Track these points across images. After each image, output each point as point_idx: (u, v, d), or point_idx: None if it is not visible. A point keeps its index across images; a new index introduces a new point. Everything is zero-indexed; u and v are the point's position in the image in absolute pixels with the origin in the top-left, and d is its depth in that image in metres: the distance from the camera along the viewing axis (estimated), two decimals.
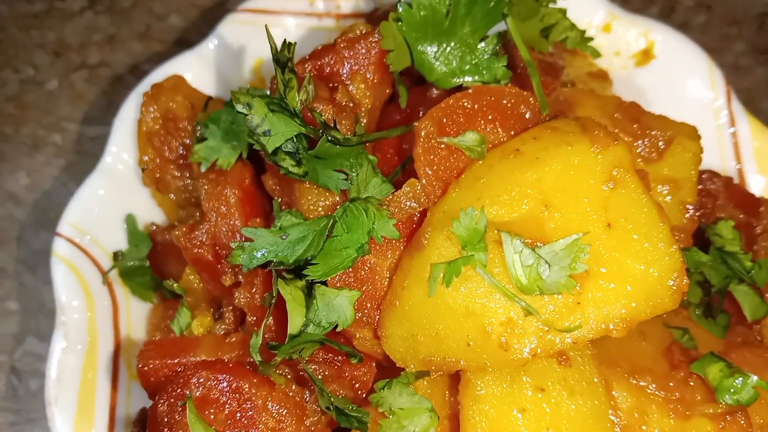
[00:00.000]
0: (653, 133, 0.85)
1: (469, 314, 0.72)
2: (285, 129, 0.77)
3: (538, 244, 0.71)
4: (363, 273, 0.79)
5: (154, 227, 1.07)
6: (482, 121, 0.82)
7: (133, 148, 1.10)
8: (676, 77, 1.10)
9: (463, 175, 0.79)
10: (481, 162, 0.79)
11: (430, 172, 0.80)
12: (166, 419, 0.76)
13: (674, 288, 0.71)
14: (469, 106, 0.82)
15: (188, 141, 1.02)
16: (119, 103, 1.52)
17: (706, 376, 0.81)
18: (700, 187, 0.98)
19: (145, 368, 0.80)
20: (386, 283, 0.79)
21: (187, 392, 0.75)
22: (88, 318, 1.03)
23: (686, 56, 1.12)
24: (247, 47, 1.15)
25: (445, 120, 0.81)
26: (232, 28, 1.15)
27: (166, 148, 1.03)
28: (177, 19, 1.62)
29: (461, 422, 0.78)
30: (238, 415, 0.74)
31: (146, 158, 1.04)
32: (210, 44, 1.13)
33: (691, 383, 0.82)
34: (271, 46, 0.79)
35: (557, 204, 0.73)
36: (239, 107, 0.78)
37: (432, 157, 0.80)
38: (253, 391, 0.74)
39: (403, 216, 0.79)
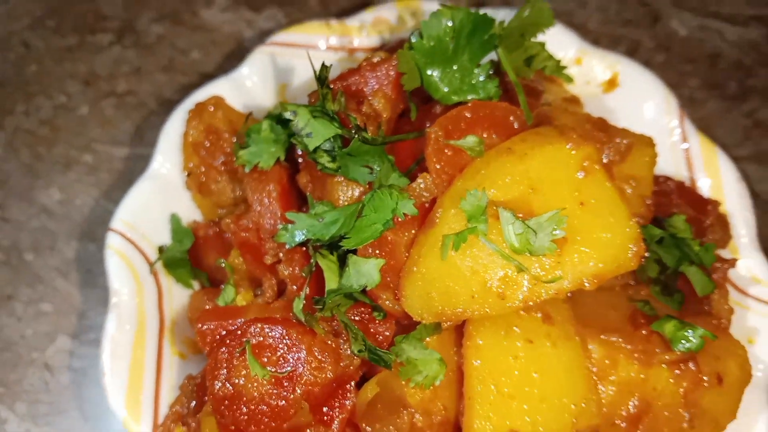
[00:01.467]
0: (617, 140, 1.09)
1: (473, 273, 0.94)
2: (324, 131, 1.00)
3: (527, 218, 0.94)
4: (387, 247, 1.00)
5: (196, 224, 1.28)
6: (479, 129, 1.05)
7: (176, 158, 1.31)
8: (637, 102, 1.35)
9: (466, 169, 1.01)
10: (480, 159, 1.02)
11: (438, 168, 1.03)
12: (225, 364, 0.96)
13: (634, 252, 0.94)
14: (469, 116, 1.05)
15: (228, 150, 1.24)
16: (145, 127, 1.75)
17: (664, 331, 1.03)
18: (656, 188, 1.22)
19: (204, 327, 1.00)
20: (405, 256, 1.01)
21: (245, 339, 0.95)
22: (137, 302, 1.22)
23: (646, 85, 1.37)
24: (273, 74, 1.38)
25: (450, 127, 1.04)
26: (260, 58, 1.39)
27: (209, 156, 1.25)
28: (198, 53, 1.85)
29: (465, 368, 0.99)
30: (287, 357, 0.94)
31: (191, 165, 1.25)
32: (242, 71, 1.37)
33: (652, 338, 1.04)
34: (312, 68, 1.02)
35: (541, 188, 0.96)
36: (287, 114, 1.01)
37: (440, 156, 1.03)
38: (300, 338, 0.95)
39: (417, 203, 1.02)
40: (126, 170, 1.72)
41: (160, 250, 1.27)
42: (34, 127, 1.76)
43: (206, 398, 1.04)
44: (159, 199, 1.28)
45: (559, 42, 1.35)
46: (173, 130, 1.30)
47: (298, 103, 1.02)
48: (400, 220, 0.99)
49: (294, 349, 0.94)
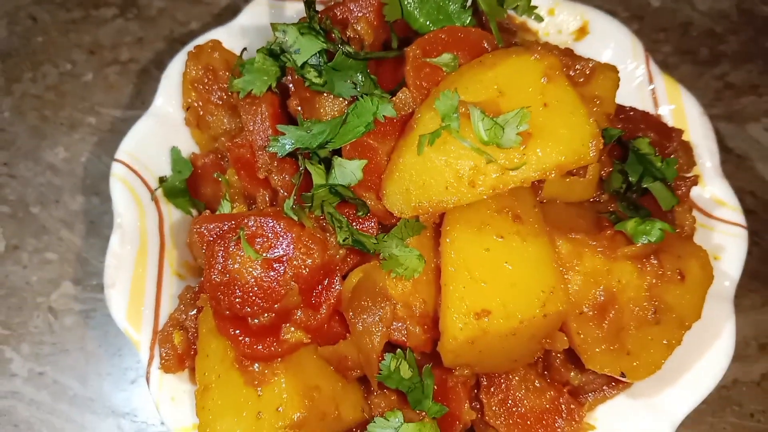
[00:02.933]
0: (582, 63, 1.20)
1: (447, 166, 1.05)
2: (311, 46, 1.11)
3: (495, 117, 1.05)
4: (369, 152, 1.11)
5: (194, 155, 1.39)
6: (454, 50, 1.17)
7: (177, 97, 1.42)
8: (606, 47, 1.47)
9: (442, 82, 1.12)
10: (454, 72, 1.13)
11: (417, 83, 1.14)
12: (221, 254, 1.06)
13: (592, 147, 1.05)
14: (445, 38, 1.17)
15: (225, 86, 1.36)
16: (146, 91, 1.86)
17: (626, 230, 1.13)
18: (622, 116, 1.33)
19: (201, 228, 1.10)
20: (386, 161, 1.11)
21: (240, 228, 1.05)
22: (139, 225, 1.32)
23: (613, 31, 1.49)
24: (266, 25, 1.49)
25: (427, 47, 1.16)
26: (254, 10, 1.51)
27: (206, 91, 1.36)
28: (196, 24, 1.98)
29: (442, 261, 1.09)
30: (278, 245, 1.04)
31: (190, 100, 1.36)
32: (239, 20, 1.49)
33: (616, 238, 1.14)
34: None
35: (508, 92, 1.07)
36: (278, 33, 1.12)
37: (418, 72, 1.14)
38: (290, 228, 1.05)
39: (398, 115, 1.12)
40: (127, 129, 1.82)
41: (161, 180, 1.38)
42: (41, 92, 1.88)
43: (203, 293, 1.13)
44: (160, 134, 1.39)
45: None
46: (174, 73, 1.42)
47: (288, 23, 1.13)
48: (381, 124, 1.10)
49: (284, 237, 1.04)
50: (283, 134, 1.13)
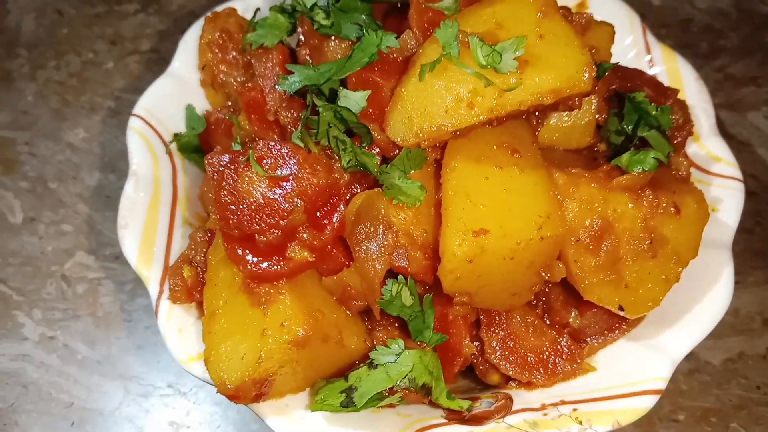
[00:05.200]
0: (577, 15, 1.28)
1: (447, 90, 1.11)
2: None
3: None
4: (373, 87, 1.18)
5: (208, 112, 1.47)
6: None
7: (194, 61, 1.52)
8: (604, 20, 1.55)
9: (443, 21, 1.21)
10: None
11: (421, 25, 1.22)
12: (230, 175, 1.12)
13: (586, 75, 1.11)
14: None
15: (239, 46, 1.45)
16: None
17: (621, 162, 1.19)
18: (620, 74, 1.40)
19: (212, 158, 1.17)
20: (389, 97, 1.19)
21: (249, 149, 1.12)
22: (153, 174, 1.39)
23: (611, 6, 1.58)
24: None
25: None
26: None
27: (221, 52, 1.46)
28: None
29: (442, 189, 1.14)
30: (285, 165, 1.11)
31: (206, 60, 1.46)
32: None
33: (612, 172, 1.19)
34: None
35: (506, 25, 1.15)
36: None
37: (422, 15, 1.22)
38: (297, 151, 1.11)
39: (403, 53, 1.20)
40: None
41: (176, 135, 1.45)
42: (64, 79, 1.99)
43: (212, 212, 1.19)
44: (176, 94, 1.47)
45: None
46: (192, 38, 1.52)
47: None
48: (385, 62, 1.18)
49: (291, 158, 1.11)
50: (292, 73, 1.21)
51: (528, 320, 1.26)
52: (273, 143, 1.12)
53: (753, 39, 2.08)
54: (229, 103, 1.45)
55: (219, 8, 1.54)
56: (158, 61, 2.01)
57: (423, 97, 1.13)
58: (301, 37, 1.30)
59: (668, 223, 1.18)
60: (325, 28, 1.23)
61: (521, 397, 1.23)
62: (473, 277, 1.12)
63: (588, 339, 1.28)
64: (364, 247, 1.15)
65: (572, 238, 1.15)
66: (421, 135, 1.13)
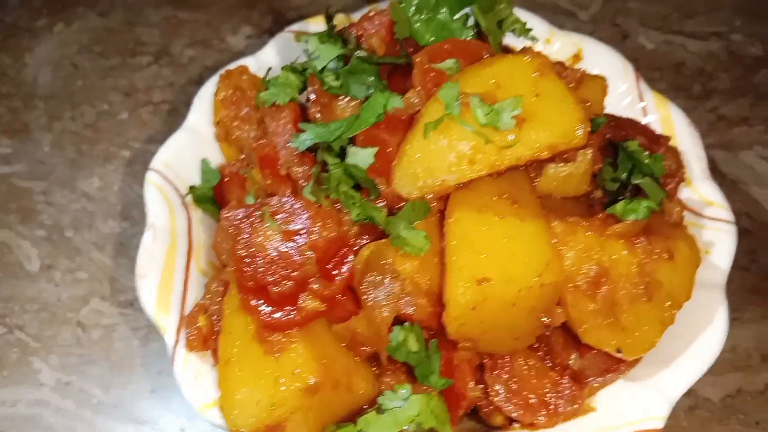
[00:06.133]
0: (571, 70, 1.36)
1: (449, 148, 1.19)
2: (329, 52, 1.29)
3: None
4: (380, 143, 1.26)
5: (222, 165, 1.55)
6: (457, 57, 1.33)
7: (208, 115, 1.60)
8: (599, 71, 1.63)
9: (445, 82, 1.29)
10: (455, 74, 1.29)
11: (424, 84, 1.30)
12: (246, 229, 1.19)
13: (581, 130, 1.19)
14: (448, 47, 1.34)
15: (252, 103, 1.53)
16: (177, 128, 2.04)
17: (616, 211, 1.26)
18: (612, 123, 1.48)
19: (228, 214, 1.24)
20: (395, 152, 1.26)
21: (264, 205, 1.19)
22: (170, 226, 1.46)
23: (605, 56, 1.67)
24: (290, 56, 1.68)
25: (433, 55, 1.33)
26: (279, 42, 1.70)
27: (235, 108, 1.54)
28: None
29: (446, 239, 1.21)
30: (298, 220, 1.18)
31: (220, 116, 1.54)
32: (265, 51, 1.68)
33: (607, 220, 1.26)
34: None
35: (504, 84, 1.22)
36: (302, 43, 1.30)
37: (425, 75, 1.31)
38: (308, 207, 1.19)
39: (408, 111, 1.28)
40: None
41: (191, 188, 1.53)
42: (79, 129, 2.07)
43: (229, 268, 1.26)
44: (192, 147, 1.55)
45: (531, 26, 1.65)
46: (206, 94, 1.60)
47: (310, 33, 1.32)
48: (391, 120, 1.26)
49: (303, 213, 1.18)
50: (304, 131, 1.29)
51: (530, 363, 1.31)
52: (286, 199, 1.19)
53: (744, 80, 2.16)
54: (243, 157, 1.53)
55: (231, 66, 1.62)
56: (170, 112, 2.10)
57: (427, 153, 1.20)
58: (312, 95, 1.38)
59: (662, 267, 1.25)
60: (334, 89, 1.31)
61: None
62: (477, 323, 1.18)
63: (588, 380, 1.33)
64: (372, 295, 1.22)
65: (570, 284, 1.22)
66: (425, 189, 1.20)
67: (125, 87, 2.16)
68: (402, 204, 1.24)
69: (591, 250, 1.22)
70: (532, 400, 1.30)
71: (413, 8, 1.40)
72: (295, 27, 1.74)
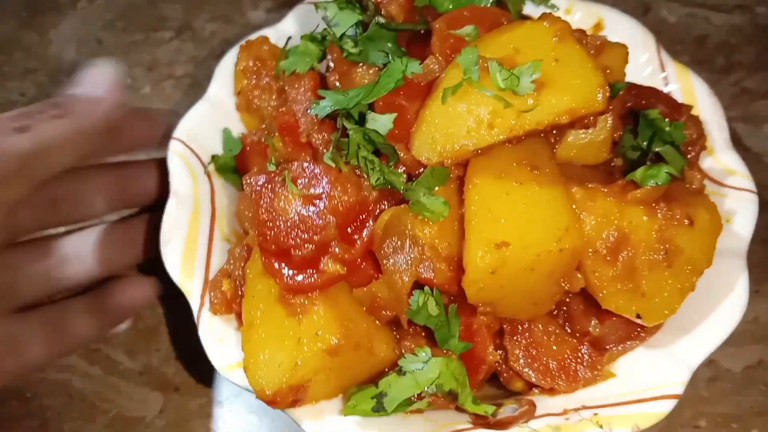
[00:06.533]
0: (591, 37, 1.35)
1: (468, 112, 1.19)
2: (348, 18, 1.29)
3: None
4: (399, 110, 1.26)
5: (243, 135, 1.56)
6: (476, 23, 1.33)
7: (229, 86, 1.61)
8: (620, 40, 1.62)
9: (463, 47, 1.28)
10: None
11: (443, 51, 1.30)
12: (268, 194, 1.21)
13: (600, 95, 1.18)
14: (467, 14, 1.33)
15: (272, 73, 1.54)
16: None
17: (636, 177, 1.25)
18: (634, 92, 1.47)
19: (249, 179, 1.26)
20: (414, 118, 1.26)
21: (285, 170, 1.21)
22: (193, 194, 1.48)
23: (626, 26, 1.65)
24: (310, 26, 1.68)
25: (452, 22, 1.33)
26: (299, 13, 1.71)
27: (256, 78, 1.55)
28: None
29: (465, 205, 1.21)
30: (318, 184, 1.19)
31: (241, 86, 1.55)
32: (285, 22, 1.69)
33: (627, 187, 1.26)
34: None
35: (523, 49, 1.22)
36: (321, 11, 1.31)
37: (444, 42, 1.30)
38: (329, 171, 1.20)
39: (427, 77, 1.28)
40: None
41: (213, 157, 1.55)
42: None
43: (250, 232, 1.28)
44: (213, 118, 1.57)
45: None
46: (227, 64, 1.61)
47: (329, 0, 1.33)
48: (410, 86, 1.26)
49: (324, 178, 1.19)
50: (323, 98, 1.30)
51: (550, 329, 1.32)
52: (307, 164, 1.20)
53: None
54: (264, 126, 1.54)
55: (252, 37, 1.63)
56: (192, 86, 2.12)
57: (446, 118, 1.21)
58: (331, 63, 1.39)
59: (682, 234, 1.24)
60: (353, 56, 1.31)
61: (544, 403, 1.29)
62: (496, 288, 1.19)
63: (608, 347, 1.34)
64: (391, 260, 1.23)
65: (590, 250, 1.22)
66: (444, 154, 1.21)
67: (148, 62, 2.18)
68: (421, 170, 1.24)
69: (610, 216, 1.22)
70: (552, 366, 1.30)
71: None
72: None
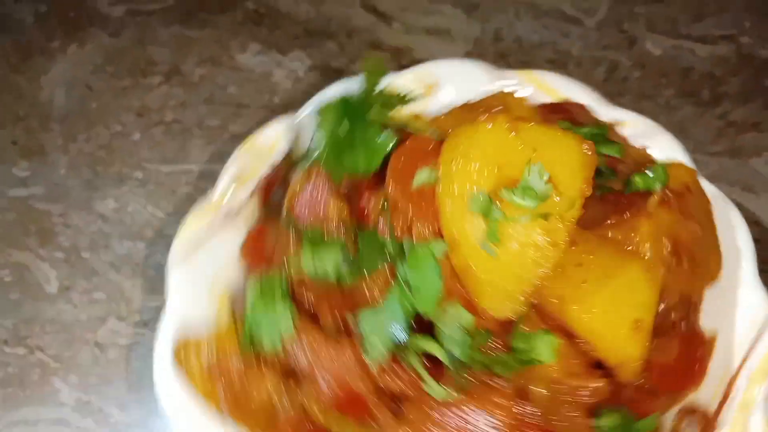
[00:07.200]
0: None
1: (522, 246, 1.11)
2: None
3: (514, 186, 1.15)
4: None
5: None
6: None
7: None
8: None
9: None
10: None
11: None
12: None
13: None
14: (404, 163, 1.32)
15: None
16: (189, 147, 2.05)
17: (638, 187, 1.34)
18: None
19: None
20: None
21: None
22: None
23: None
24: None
25: (398, 182, 1.30)
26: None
27: None
28: (234, 88, 2.18)
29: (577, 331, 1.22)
30: None
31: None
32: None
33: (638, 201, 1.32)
34: None
35: (494, 156, 1.19)
36: None
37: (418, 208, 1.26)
38: None
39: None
40: (171, 182, 2.03)
41: None
42: (94, 151, 2.09)
43: None
44: None
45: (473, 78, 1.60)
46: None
47: None
48: None
49: None
50: None
51: None
52: None
53: (754, 83, 2.12)
54: None
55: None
56: (181, 131, 2.11)
57: (504, 267, 1.15)
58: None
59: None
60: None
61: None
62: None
63: None
64: None
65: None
66: (525, 296, 1.17)
67: (137, 107, 2.18)
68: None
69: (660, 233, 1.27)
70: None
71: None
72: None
